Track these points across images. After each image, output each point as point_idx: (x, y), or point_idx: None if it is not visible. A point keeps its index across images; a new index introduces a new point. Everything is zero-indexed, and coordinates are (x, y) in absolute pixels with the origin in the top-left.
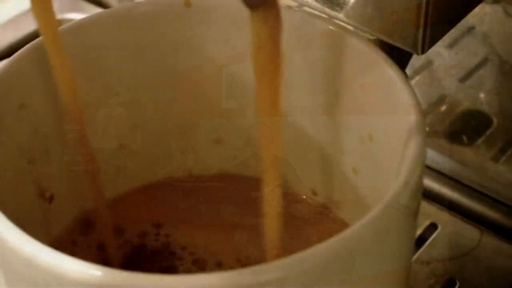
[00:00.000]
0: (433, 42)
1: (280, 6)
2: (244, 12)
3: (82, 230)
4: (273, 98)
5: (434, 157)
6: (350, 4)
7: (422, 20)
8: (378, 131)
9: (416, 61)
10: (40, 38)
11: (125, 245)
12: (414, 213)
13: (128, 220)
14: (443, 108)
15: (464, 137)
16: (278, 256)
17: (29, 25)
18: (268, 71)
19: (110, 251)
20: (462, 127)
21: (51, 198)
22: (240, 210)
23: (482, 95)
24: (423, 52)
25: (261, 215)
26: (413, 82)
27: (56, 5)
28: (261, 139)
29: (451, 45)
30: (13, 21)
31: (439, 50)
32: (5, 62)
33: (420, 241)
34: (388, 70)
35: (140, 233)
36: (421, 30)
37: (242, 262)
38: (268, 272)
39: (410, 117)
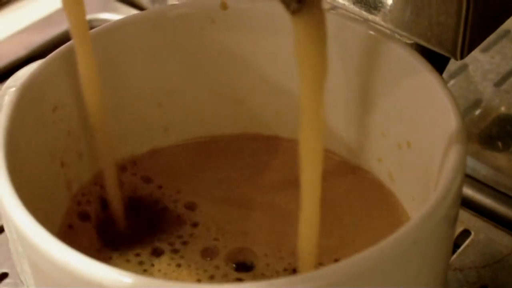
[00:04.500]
0: (472, 47)
1: (325, 9)
2: (283, 15)
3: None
4: (317, 105)
5: (468, 162)
6: (388, 7)
7: (462, 25)
8: (417, 138)
9: (451, 65)
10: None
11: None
12: (453, 222)
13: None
14: (478, 112)
15: (499, 143)
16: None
17: (61, 24)
18: (312, 79)
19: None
20: (497, 132)
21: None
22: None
23: None
24: (462, 57)
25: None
26: (448, 86)
27: (88, 4)
28: (303, 151)
29: (486, 49)
30: (46, 19)
31: (475, 54)
32: (38, 63)
33: (453, 248)
34: (427, 75)
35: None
36: (460, 35)
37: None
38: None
39: (450, 124)
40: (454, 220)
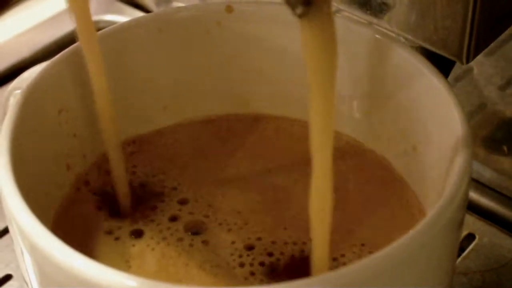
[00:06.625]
0: (478, 51)
1: (332, 12)
2: (289, 17)
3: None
4: (327, 109)
5: (473, 166)
6: (393, 11)
7: (468, 29)
8: (423, 142)
9: (455, 68)
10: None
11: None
12: (459, 225)
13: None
14: (483, 116)
15: (504, 147)
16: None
17: (66, 26)
18: (321, 81)
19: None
20: (502, 136)
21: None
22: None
23: None
24: (468, 61)
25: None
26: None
27: (93, 6)
28: (313, 150)
29: (491, 53)
30: (50, 21)
31: (479, 58)
32: (43, 66)
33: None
34: (433, 80)
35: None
36: (466, 39)
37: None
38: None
39: (455, 128)
40: (461, 223)
